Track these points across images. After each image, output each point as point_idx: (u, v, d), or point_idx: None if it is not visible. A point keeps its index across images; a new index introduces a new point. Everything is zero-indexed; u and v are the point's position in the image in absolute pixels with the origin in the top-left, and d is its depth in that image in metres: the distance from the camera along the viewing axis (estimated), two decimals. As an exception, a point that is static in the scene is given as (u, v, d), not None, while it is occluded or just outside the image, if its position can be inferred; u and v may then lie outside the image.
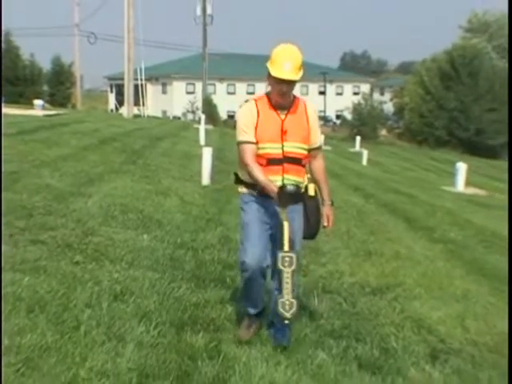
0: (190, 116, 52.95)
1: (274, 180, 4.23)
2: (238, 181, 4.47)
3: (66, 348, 3.90)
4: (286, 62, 4.13)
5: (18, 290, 4.72)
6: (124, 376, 3.67)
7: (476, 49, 51.44)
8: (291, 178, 4.28)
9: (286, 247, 4.18)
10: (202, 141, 20.74)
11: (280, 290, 4.20)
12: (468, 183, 17.88)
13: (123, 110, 41.23)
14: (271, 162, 4.25)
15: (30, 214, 7.15)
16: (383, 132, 52.22)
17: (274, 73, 4.14)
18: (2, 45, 49.79)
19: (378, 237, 8.87)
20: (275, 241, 4.36)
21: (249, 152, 4.24)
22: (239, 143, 4.31)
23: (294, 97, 4.35)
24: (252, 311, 4.56)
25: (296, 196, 4.26)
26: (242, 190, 4.44)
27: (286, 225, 4.20)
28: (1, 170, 7.93)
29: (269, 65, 4.18)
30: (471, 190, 17.45)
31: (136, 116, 38.39)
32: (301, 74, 4.19)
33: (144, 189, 10.18)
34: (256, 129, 4.23)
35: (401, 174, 21.72)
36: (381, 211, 11.55)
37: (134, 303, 4.86)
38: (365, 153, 24.88)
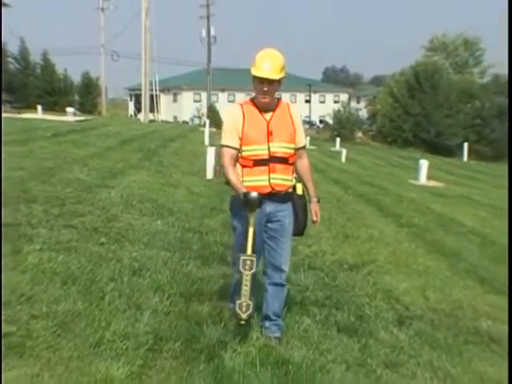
0: (196, 121, 52.79)
1: (261, 180, 3.82)
2: (228, 183, 3.96)
3: (93, 314, 3.91)
4: (265, 62, 3.74)
5: (54, 266, 4.73)
6: (142, 338, 3.68)
7: (436, 65, 51.37)
8: (278, 176, 3.85)
9: (249, 251, 3.74)
10: (207, 141, 20.68)
11: (239, 291, 3.75)
12: (429, 177, 17.88)
13: (141, 116, 41.10)
14: (258, 162, 3.82)
15: (63, 203, 7.14)
16: (359, 134, 52.02)
17: (255, 72, 3.76)
18: (41, 62, 49.78)
19: (355, 222, 8.88)
20: (272, 241, 3.95)
21: (227, 156, 3.84)
22: (221, 146, 3.91)
23: (278, 99, 3.94)
24: None
25: (260, 201, 3.70)
26: (232, 191, 3.94)
27: (250, 230, 3.75)
28: (1, 171, 7.69)
29: (251, 67, 3.80)
30: (432, 183, 17.45)
31: (151, 121, 38.37)
32: (281, 75, 3.77)
33: (158, 182, 10.17)
34: (242, 133, 3.81)
35: (374, 170, 21.71)
36: (357, 201, 11.56)
37: (150, 278, 4.86)
38: (344, 152, 24.84)
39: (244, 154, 3.86)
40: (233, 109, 3.94)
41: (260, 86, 3.78)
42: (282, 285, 4.05)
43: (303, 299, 4.90)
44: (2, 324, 3.54)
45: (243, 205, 3.72)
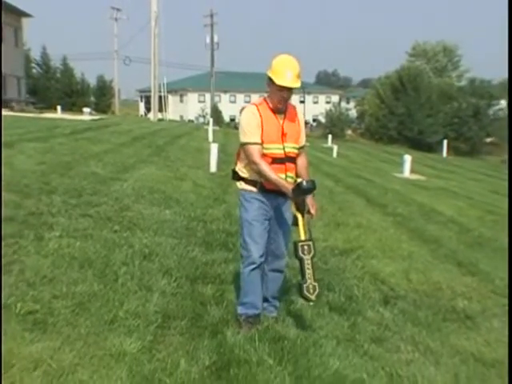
0: (201, 119, 52.59)
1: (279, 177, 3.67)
2: (237, 177, 3.82)
3: (108, 295, 3.92)
4: (287, 71, 3.54)
5: (72, 251, 4.74)
6: (152, 317, 3.69)
7: (418, 69, 51.29)
8: (290, 174, 3.73)
9: (303, 236, 3.65)
10: (210, 138, 20.62)
11: (302, 275, 3.66)
12: (412, 171, 17.86)
13: (150, 115, 41.03)
14: (276, 160, 3.65)
15: (80, 194, 7.14)
16: (349, 132, 52.00)
17: (278, 81, 3.53)
18: (61, 66, 49.69)
19: (345, 211, 8.87)
20: (274, 233, 3.83)
21: (256, 152, 3.60)
22: (245, 144, 3.65)
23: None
24: (252, 312, 3.78)
25: (309, 190, 3.58)
26: (242, 186, 3.79)
27: (299, 217, 3.64)
28: (1, 171, 7.48)
29: (270, 74, 3.58)
30: (414, 176, 17.41)
31: (160, 120, 38.28)
32: (300, 81, 3.59)
33: (166, 175, 10.16)
34: (262, 130, 3.61)
35: (362, 164, 21.67)
36: (347, 192, 11.55)
37: (159, 262, 4.87)
38: (335, 147, 24.79)
39: (263, 151, 3.68)
40: (250, 108, 3.71)
41: (279, 93, 3.61)
42: (280, 271, 4.00)
43: (298, 281, 4.90)
44: (27, 302, 3.56)
45: (297, 195, 3.55)
